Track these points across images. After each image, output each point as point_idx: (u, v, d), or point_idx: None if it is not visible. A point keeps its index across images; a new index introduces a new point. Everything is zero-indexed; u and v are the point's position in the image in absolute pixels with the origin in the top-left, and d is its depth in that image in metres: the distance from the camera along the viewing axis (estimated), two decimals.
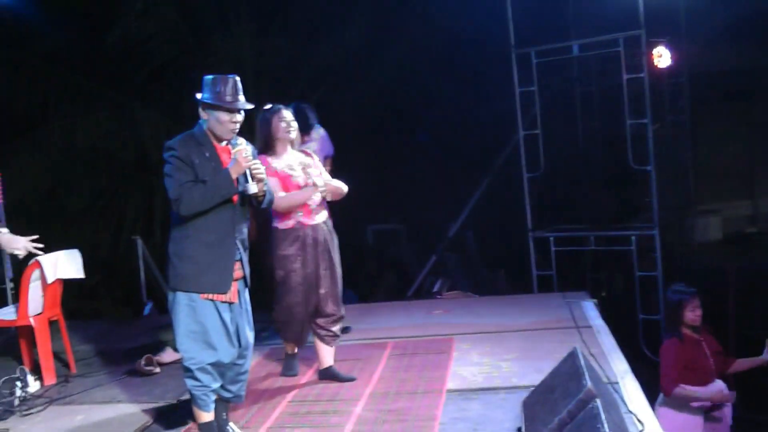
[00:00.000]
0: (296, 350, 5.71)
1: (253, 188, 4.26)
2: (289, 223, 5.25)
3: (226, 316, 4.28)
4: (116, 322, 9.60)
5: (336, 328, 5.43)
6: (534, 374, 5.07)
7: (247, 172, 4.22)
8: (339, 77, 11.07)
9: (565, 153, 10.28)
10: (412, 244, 12.00)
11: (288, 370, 5.66)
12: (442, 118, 11.44)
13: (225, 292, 4.26)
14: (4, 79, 10.38)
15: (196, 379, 4.24)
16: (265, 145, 5.30)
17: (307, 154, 5.45)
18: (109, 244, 11.39)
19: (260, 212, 5.00)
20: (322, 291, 5.31)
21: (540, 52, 9.50)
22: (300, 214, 5.25)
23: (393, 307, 8.36)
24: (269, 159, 5.24)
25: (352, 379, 5.43)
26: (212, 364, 4.24)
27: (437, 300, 8.94)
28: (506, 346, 5.97)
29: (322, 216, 5.37)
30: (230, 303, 4.31)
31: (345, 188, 5.41)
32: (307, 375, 5.64)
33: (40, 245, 4.15)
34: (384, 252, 11.83)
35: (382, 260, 11.67)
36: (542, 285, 9.53)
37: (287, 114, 5.36)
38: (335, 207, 5.56)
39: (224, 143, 4.30)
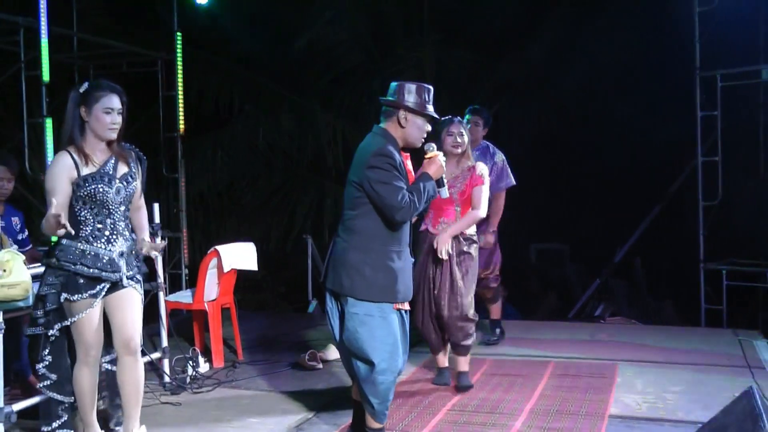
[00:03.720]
0: (446, 364, 5.70)
1: (445, 193, 4.35)
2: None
3: (405, 324, 4.29)
4: (282, 315, 9.98)
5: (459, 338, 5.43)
6: (701, 410, 4.90)
7: (442, 177, 4.30)
8: (517, 93, 11.02)
9: (744, 183, 9.78)
10: (576, 265, 11.76)
11: (439, 379, 5.69)
12: (617, 139, 11.16)
13: (409, 300, 4.29)
14: (197, 79, 10.96)
15: (384, 395, 4.18)
16: None
17: (472, 175, 5.42)
18: (278, 240, 11.84)
19: None
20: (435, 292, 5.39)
21: (726, 75, 9.10)
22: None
23: (556, 327, 8.28)
24: None
25: (469, 386, 5.46)
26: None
27: (600, 324, 8.75)
28: (672, 378, 5.78)
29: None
30: (407, 310, 4.32)
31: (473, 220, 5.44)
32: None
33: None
34: (547, 271, 11.65)
35: (545, 279, 11.50)
36: (710, 319, 9.09)
37: (456, 128, 5.41)
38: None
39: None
